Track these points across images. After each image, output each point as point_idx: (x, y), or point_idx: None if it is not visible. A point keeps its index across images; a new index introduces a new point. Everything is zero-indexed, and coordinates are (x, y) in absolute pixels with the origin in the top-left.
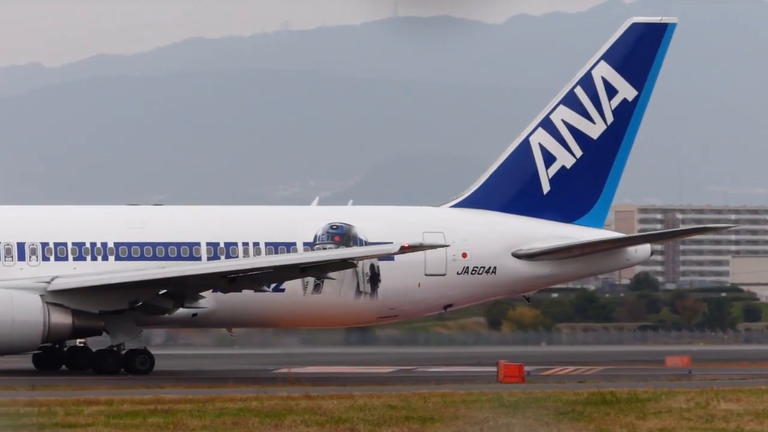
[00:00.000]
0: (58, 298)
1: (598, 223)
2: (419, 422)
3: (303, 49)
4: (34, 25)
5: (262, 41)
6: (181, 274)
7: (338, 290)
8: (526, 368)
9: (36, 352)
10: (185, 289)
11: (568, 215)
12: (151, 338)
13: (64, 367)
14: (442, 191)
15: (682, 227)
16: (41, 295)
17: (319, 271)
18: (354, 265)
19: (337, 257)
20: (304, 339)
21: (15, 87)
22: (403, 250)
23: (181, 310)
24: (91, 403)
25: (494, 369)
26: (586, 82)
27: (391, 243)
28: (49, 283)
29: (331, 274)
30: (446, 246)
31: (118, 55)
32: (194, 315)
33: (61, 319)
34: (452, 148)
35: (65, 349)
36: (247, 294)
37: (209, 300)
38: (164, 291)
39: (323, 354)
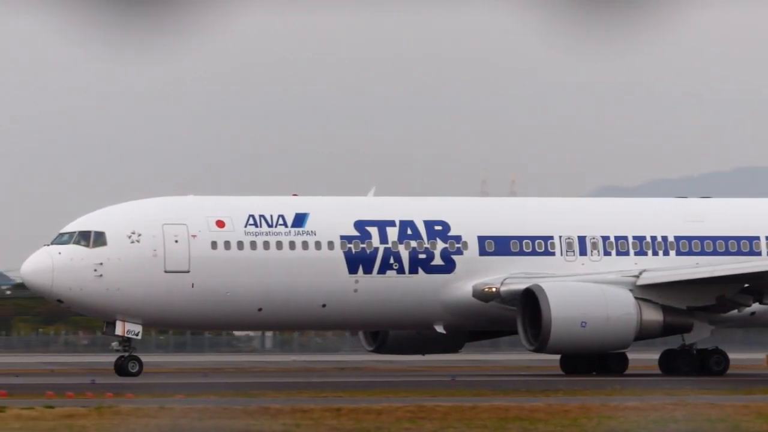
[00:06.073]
0: (647, 293)
1: None
2: None
3: None
4: None
5: None
6: None
7: None
8: None
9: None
10: None
11: None
12: None
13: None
14: None
15: None
16: (630, 290)
17: None
18: None
19: None
20: None
21: None
22: None
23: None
24: None
25: None
26: None
27: None
28: (637, 277)
29: None
30: None
31: None
32: (753, 314)
33: (652, 315)
34: None
35: None
36: None
37: None
38: (747, 285)
39: None
